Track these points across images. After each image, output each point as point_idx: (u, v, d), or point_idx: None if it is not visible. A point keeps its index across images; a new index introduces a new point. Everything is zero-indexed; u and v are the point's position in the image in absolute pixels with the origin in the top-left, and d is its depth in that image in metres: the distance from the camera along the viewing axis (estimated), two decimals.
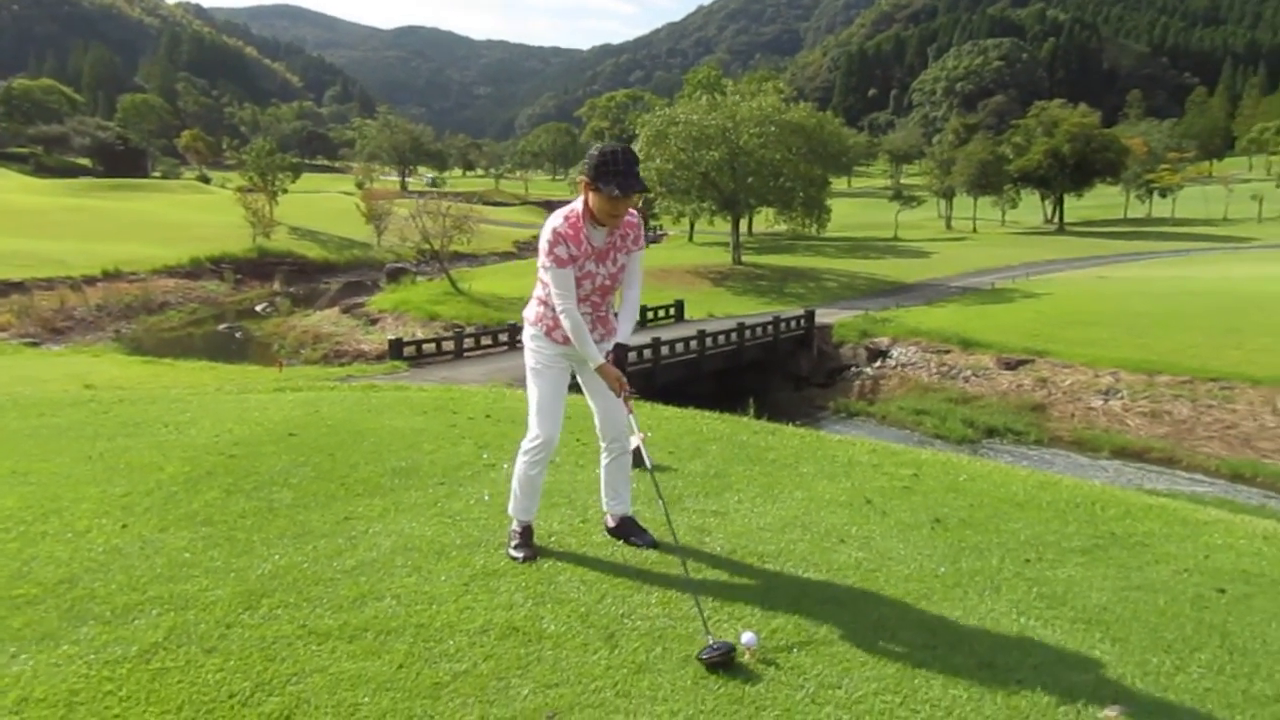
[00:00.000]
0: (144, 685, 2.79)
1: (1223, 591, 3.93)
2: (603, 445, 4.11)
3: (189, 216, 64.15)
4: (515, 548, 3.91)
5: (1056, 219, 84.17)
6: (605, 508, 4.23)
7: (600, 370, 3.78)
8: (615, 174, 3.54)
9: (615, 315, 3.96)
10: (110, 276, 43.83)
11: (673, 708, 2.75)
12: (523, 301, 3.95)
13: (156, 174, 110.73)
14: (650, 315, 31.22)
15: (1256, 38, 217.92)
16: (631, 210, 3.78)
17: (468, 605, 3.41)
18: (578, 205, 3.69)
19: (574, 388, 4.11)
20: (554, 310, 3.77)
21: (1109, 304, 33.09)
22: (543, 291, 3.84)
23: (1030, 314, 32.22)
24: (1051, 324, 30.12)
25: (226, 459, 5.47)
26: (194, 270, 49.74)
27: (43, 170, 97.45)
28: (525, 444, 3.90)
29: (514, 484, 3.96)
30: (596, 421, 4.08)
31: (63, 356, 24.48)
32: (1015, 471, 6.19)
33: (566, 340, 3.80)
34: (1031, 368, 26.61)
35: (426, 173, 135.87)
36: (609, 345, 3.85)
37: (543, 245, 3.68)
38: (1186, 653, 3.31)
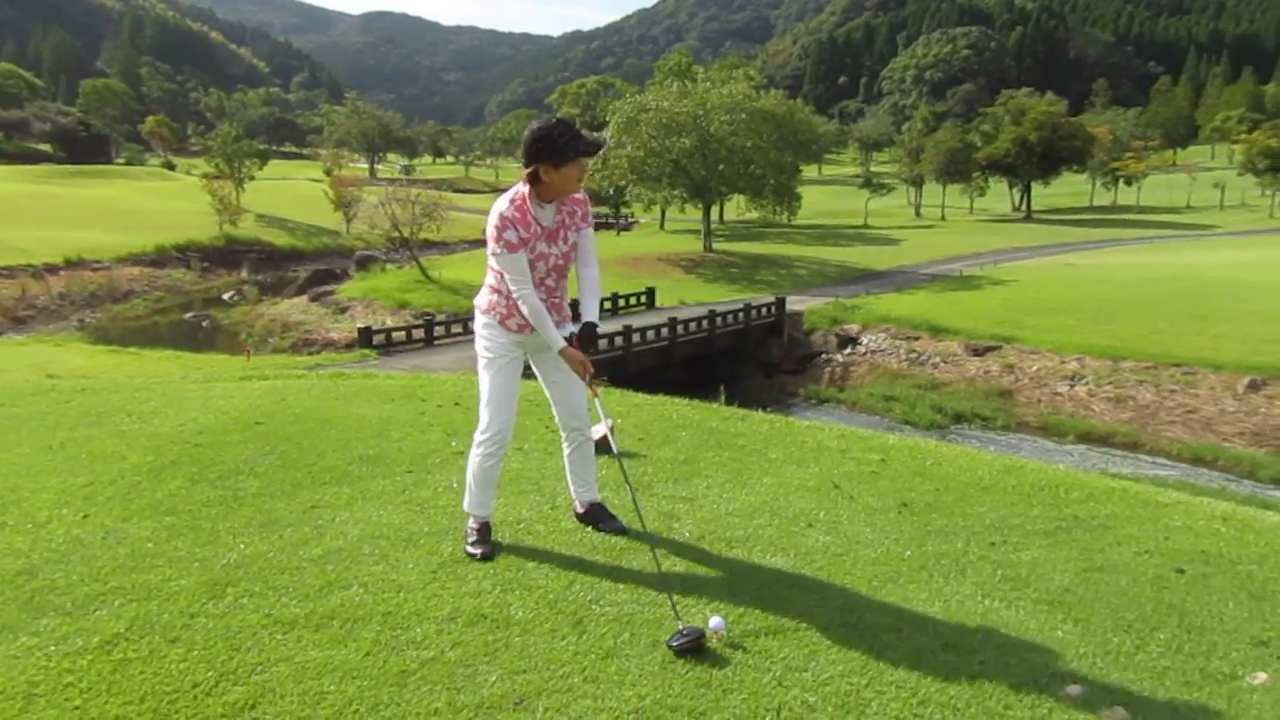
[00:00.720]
0: (105, 676, 2.76)
1: (1182, 572, 3.99)
2: (563, 435, 4.07)
3: (154, 204, 63.27)
4: (473, 544, 3.81)
5: (1024, 207, 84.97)
6: (573, 495, 4.21)
7: (563, 354, 3.72)
8: (574, 138, 3.50)
9: (572, 303, 3.91)
10: (73, 265, 43.17)
11: (640, 692, 2.76)
12: None
13: (120, 160, 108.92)
14: (621, 302, 31.22)
15: (1219, 27, 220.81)
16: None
17: (435, 593, 3.39)
18: (521, 188, 3.61)
19: (534, 375, 4.10)
20: (507, 298, 3.70)
21: (1075, 291, 33.46)
22: (495, 279, 3.76)
23: (998, 301, 32.52)
24: (1019, 311, 30.42)
25: (191, 448, 5.41)
26: (159, 258, 49.09)
27: (2, 156, 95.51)
28: (478, 435, 3.83)
29: (469, 477, 3.88)
30: (554, 411, 4.04)
31: (24, 346, 24.11)
32: (981, 456, 6.25)
33: (520, 329, 3.75)
34: (999, 354, 26.87)
35: (399, 160, 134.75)
36: (567, 330, 3.79)
37: (491, 232, 3.59)
38: (1146, 632, 3.36)
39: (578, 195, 3.74)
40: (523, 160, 3.58)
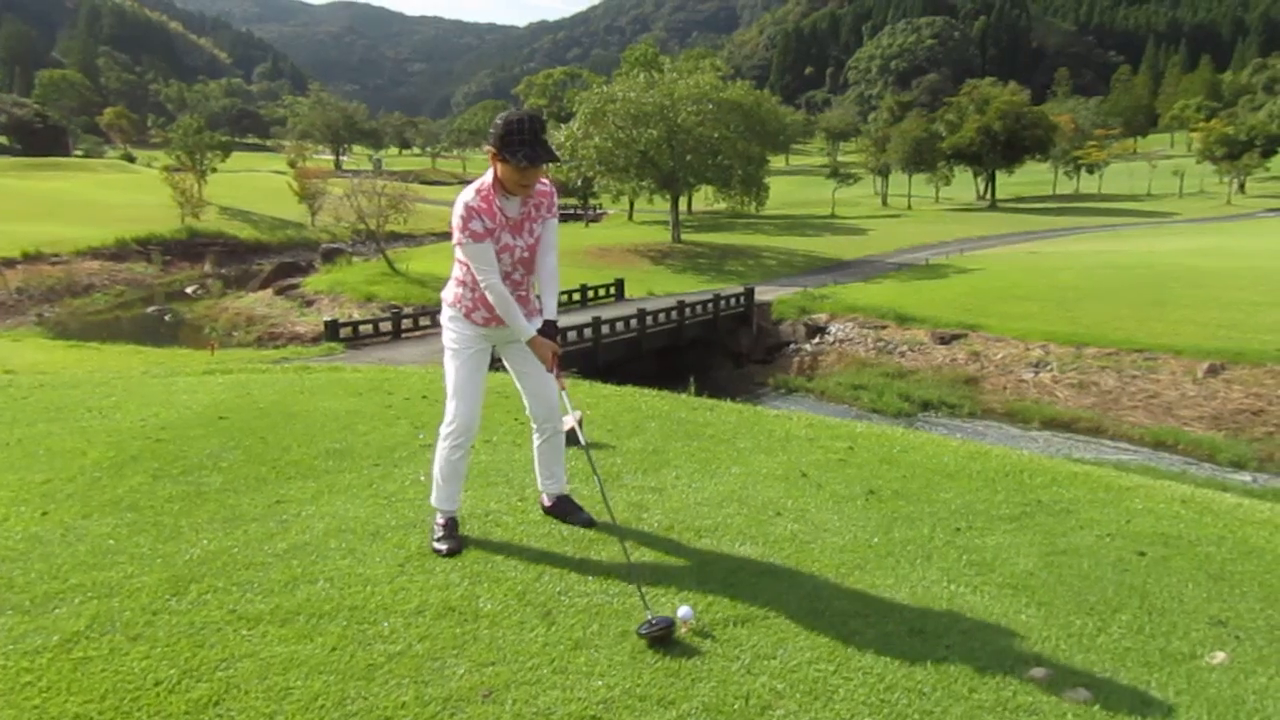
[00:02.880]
0: (65, 674, 2.72)
1: (1143, 554, 4.05)
2: (534, 426, 4.04)
3: (114, 196, 62.18)
4: (439, 540, 3.78)
5: (989, 195, 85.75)
6: (540, 487, 4.19)
7: (532, 344, 3.71)
8: (522, 143, 3.43)
9: (537, 297, 3.88)
10: (31, 259, 42.32)
11: (609, 682, 2.76)
12: None
13: (78, 152, 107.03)
14: (591, 294, 31.17)
15: (1178, 16, 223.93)
16: (543, 180, 3.69)
17: (403, 586, 3.37)
18: (488, 177, 3.59)
19: (503, 368, 4.07)
20: (473, 290, 3.69)
21: (1039, 278, 33.82)
22: (461, 272, 3.74)
23: (964, 289, 32.78)
24: (984, 299, 30.70)
25: (153, 443, 5.34)
26: (120, 252, 48.22)
27: None
28: (443, 429, 3.81)
29: (435, 471, 3.86)
30: (525, 403, 4.01)
31: None
32: (947, 443, 6.30)
33: (486, 322, 3.74)
34: (965, 342, 27.11)
35: (371, 153, 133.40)
36: (535, 324, 3.76)
37: (456, 221, 3.56)
38: (1108, 614, 3.41)
39: (544, 188, 3.71)
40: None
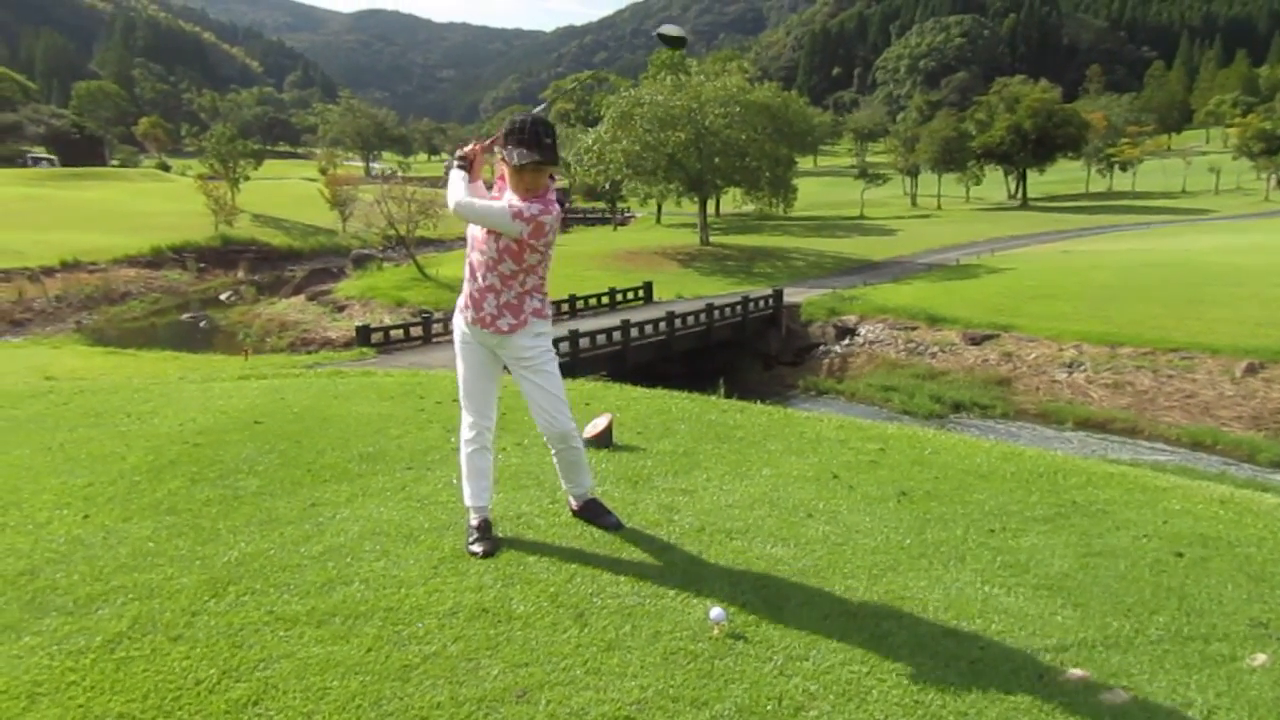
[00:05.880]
0: (108, 674, 2.77)
1: (1180, 555, 4.00)
2: (544, 439, 4.04)
3: (149, 205, 63.11)
4: (474, 542, 3.78)
5: (1020, 194, 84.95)
6: (565, 490, 4.21)
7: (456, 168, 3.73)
8: (520, 142, 3.48)
9: (543, 298, 3.83)
10: (69, 267, 43.03)
11: (642, 683, 2.77)
12: None
13: (115, 162, 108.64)
14: (619, 297, 31.21)
15: (1212, 10, 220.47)
16: (552, 190, 3.69)
17: (437, 588, 3.40)
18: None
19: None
20: (468, 285, 3.78)
21: (1072, 278, 33.44)
22: (467, 269, 3.83)
23: (995, 289, 32.48)
24: (1016, 299, 30.40)
25: (190, 448, 5.41)
26: (156, 259, 48.92)
27: None
28: (461, 429, 3.88)
29: (462, 472, 3.92)
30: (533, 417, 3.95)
31: (21, 349, 24.03)
32: (980, 444, 6.26)
33: (475, 322, 3.78)
34: (997, 342, 26.86)
35: (390, 163, 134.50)
36: (542, 326, 3.79)
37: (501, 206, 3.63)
38: (1145, 616, 3.37)
39: (551, 195, 3.68)
40: None
